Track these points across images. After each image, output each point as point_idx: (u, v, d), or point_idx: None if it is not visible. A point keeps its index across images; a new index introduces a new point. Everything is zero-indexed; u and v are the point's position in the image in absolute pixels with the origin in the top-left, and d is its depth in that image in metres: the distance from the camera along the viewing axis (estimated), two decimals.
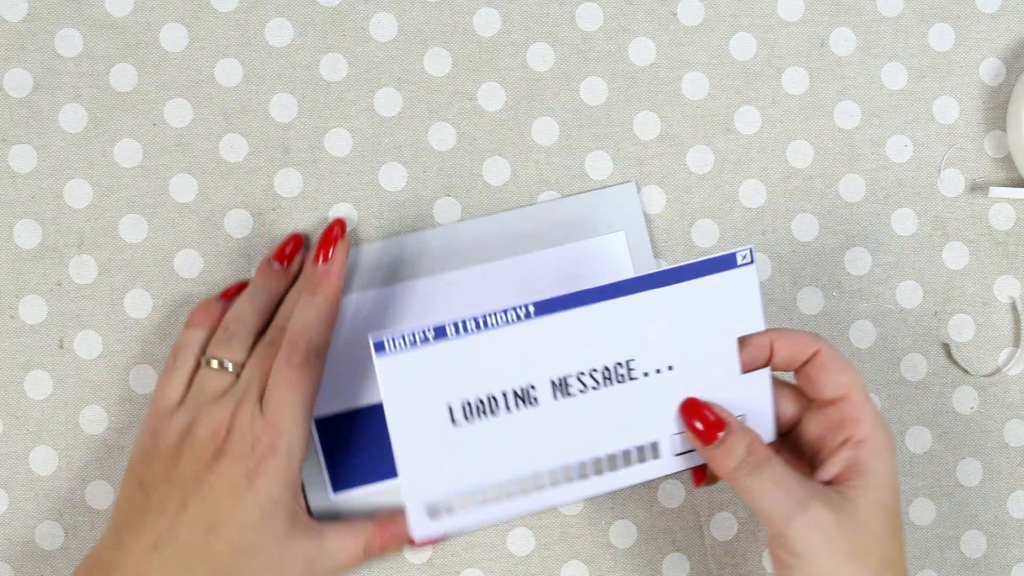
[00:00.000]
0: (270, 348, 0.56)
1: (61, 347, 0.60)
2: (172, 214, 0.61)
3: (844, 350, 0.62)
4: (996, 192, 0.61)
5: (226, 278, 0.60)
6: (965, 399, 0.63)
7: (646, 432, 0.53)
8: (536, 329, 0.51)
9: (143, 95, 0.61)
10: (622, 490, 0.62)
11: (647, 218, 0.62)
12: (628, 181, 0.62)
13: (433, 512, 0.52)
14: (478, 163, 0.62)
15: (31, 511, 0.60)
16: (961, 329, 0.63)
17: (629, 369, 0.52)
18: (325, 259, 0.56)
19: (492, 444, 0.52)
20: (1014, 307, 0.63)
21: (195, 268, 0.61)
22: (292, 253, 0.59)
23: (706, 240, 0.62)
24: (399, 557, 0.61)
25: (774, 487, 0.49)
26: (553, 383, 0.52)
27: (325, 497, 0.60)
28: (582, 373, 0.52)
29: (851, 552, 0.48)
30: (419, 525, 0.52)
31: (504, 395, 0.52)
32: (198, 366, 0.56)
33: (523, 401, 0.52)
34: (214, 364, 0.56)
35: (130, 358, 0.60)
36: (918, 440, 0.63)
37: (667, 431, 0.53)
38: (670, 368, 0.53)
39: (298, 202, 0.61)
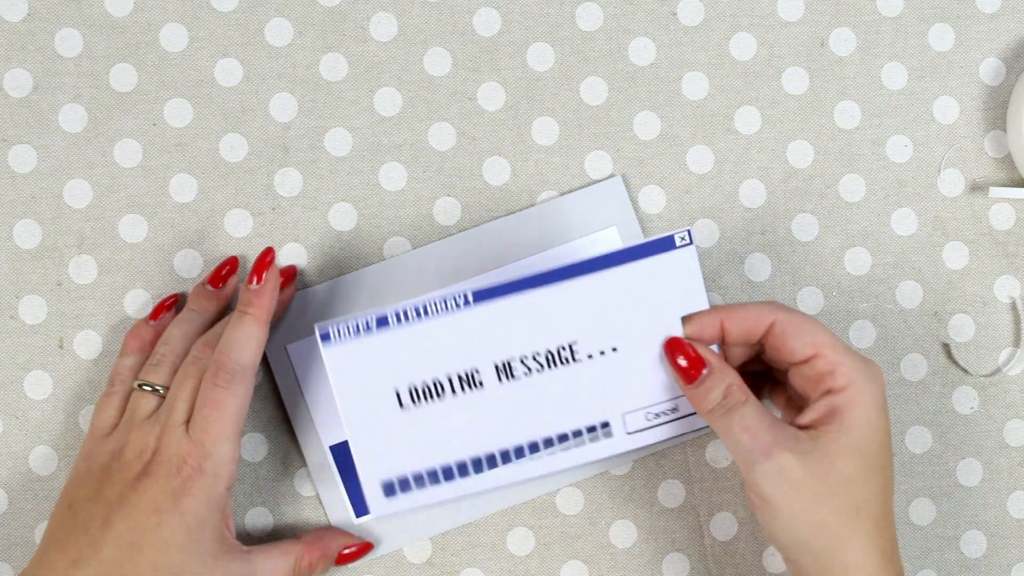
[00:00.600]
0: (193, 367, 0.56)
1: (61, 347, 0.60)
2: (172, 214, 0.61)
3: None
4: (996, 192, 0.61)
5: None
6: (965, 399, 0.63)
7: (596, 412, 0.55)
8: (476, 315, 0.54)
9: (143, 95, 0.61)
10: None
11: (645, 216, 0.62)
12: (614, 175, 0.62)
13: (388, 490, 0.54)
14: (478, 163, 0.62)
15: (31, 511, 0.60)
16: (961, 329, 0.63)
17: (572, 352, 0.54)
18: (258, 281, 0.56)
19: (441, 426, 0.54)
20: (1014, 307, 0.63)
21: (195, 268, 0.61)
22: (227, 275, 0.60)
23: (706, 240, 0.62)
24: (399, 557, 0.61)
25: (742, 431, 0.50)
26: (497, 367, 0.54)
27: (349, 523, 0.61)
28: (525, 357, 0.54)
29: (817, 496, 0.49)
30: (375, 503, 0.54)
31: (449, 379, 0.54)
32: (131, 391, 0.57)
33: (469, 385, 0.54)
34: (145, 388, 0.56)
35: None
36: (918, 440, 0.63)
37: (617, 410, 0.55)
38: (614, 350, 0.54)
39: (298, 202, 0.61)
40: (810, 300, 0.62)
